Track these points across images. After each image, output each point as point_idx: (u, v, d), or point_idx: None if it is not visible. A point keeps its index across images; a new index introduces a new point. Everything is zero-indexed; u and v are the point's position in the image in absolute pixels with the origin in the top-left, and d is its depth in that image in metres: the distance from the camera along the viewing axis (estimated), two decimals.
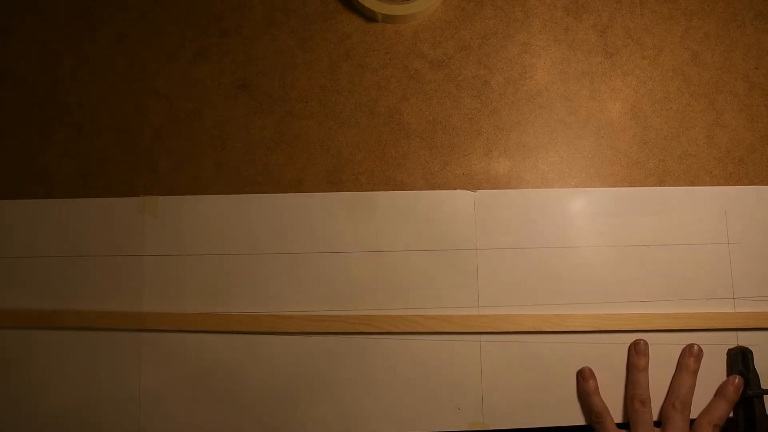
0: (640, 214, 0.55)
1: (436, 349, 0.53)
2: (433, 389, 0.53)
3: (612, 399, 0.52)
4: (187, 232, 0.54)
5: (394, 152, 0.57)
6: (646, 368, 0.52)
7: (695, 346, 0.52)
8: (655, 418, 0.52)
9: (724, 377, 0.53)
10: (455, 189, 0.56)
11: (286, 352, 0.53)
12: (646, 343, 0.52)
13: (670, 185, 0.57)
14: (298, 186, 0.56)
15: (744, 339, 0.54)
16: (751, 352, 0.53)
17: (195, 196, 0.55)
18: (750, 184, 0.57)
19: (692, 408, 0.51)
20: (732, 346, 0.53)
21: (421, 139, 0.57)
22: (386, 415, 0.52)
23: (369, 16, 0.59)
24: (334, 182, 0.56)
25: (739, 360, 0.53)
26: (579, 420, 0.53)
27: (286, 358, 0.53)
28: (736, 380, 0.51)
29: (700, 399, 0.52)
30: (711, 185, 0.57)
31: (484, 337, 0.53)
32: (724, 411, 0.51)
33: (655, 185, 0.57)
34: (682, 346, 0.53)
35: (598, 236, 0.55)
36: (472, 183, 0.57)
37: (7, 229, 0.54)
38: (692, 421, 0.51)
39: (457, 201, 0.55)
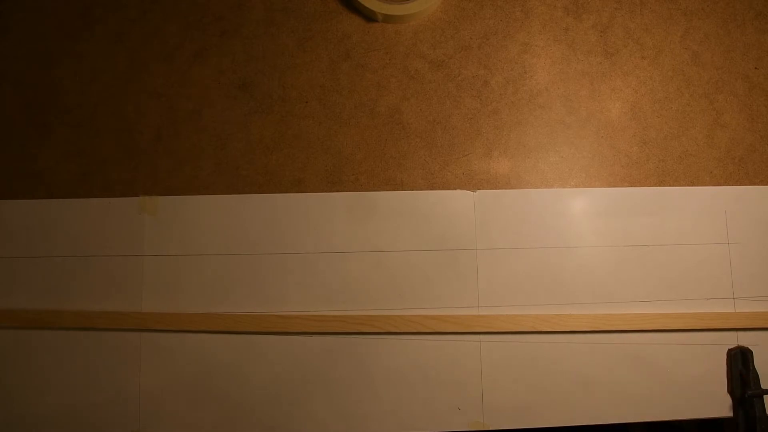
0: (640, 214, 0.55)
1: (437, 350, 0.53)
2: (434, 389, 0.53)
3: (610, 399, 0.52)
4: (187, 232, 0.54)
5: (394, 152, 0.57)
6: None
7: None
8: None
9: (724, 377, 0.53)
10: (455, 189, 0.56)
11: (286, 352, 0.53)
12: None
13: (670, 185, 0.57)
14: (298, 186, 0.56)
15: (744, 339, 0.54)
16: (751, 352, 0.53)
17: (194, 196, 0.55)
18: (750, 184, 0.57)
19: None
20: (732, 346, 0.53)
21: (421, 139, 0.57)
22: (386, 415, 0.52)
23: (369, 16, 0.59)
24: (334, 182, 0.56)
25: (739, 360, 0.53)
26: (579, 420, 0.53)
27: (285, 358, 0.53)
28: None
29: (700, 399, 0.52)
30: (711, 185, 0.57)
31: (484, 338, 0.53)
32: None
33: (655, 185, 0.57)
34: (683, 346, 0.53)
35: (598, 236, 0.55)
36: (472, 183, 0.57)
37: (7, 230, 0.54)
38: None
39: (457, 201, 0.55)
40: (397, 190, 0.56)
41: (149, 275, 0.54)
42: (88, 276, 0.54)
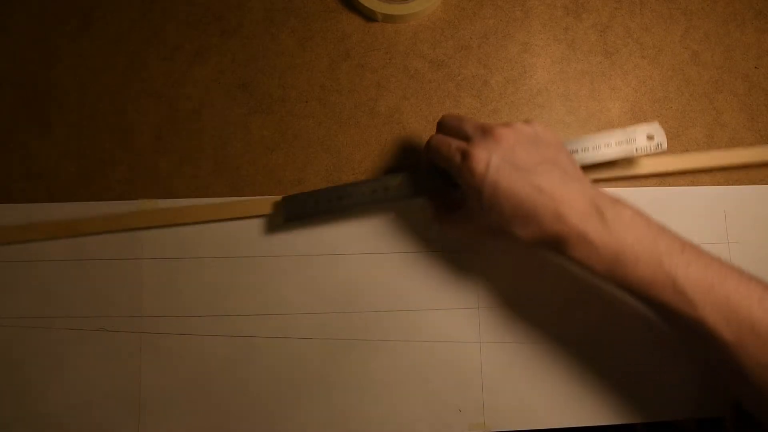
0: None
1: (437, 351, 0.53)
2: (434, 391, 0.53)
3: (610, 399, 0.52)
4: (187, 235, 0.54)
5: (395, 152, 0.57)
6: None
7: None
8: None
9: None
10: None
11: (286, 352, 0.53)
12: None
13: (670, 185, 0.57)
14: (298, 185, 0.56)
15: None
16: None
17: (193, 199, 0.55)
18: (750, 184, 0.57)
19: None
20: None
21: (422, 139, 0.57)
22: (386, 417, 0.52)
23: (369, 16, 0.59)
24: (333, 181, 0.56)
25: None
26: (581, 421, 0.53)
27: (286, 359, 0.53)
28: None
29: (700, 398, 0.52)
30: (711, 185, 0.57)
31: (484, 338, 0.53)
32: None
33: (654, 185, 0.57)
34: (682, 345, 0.53)
35: None
36: None
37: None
38: None
39: None
40: None
41: (148, 279, 0.54)
42: (87, 280, 0.54)
